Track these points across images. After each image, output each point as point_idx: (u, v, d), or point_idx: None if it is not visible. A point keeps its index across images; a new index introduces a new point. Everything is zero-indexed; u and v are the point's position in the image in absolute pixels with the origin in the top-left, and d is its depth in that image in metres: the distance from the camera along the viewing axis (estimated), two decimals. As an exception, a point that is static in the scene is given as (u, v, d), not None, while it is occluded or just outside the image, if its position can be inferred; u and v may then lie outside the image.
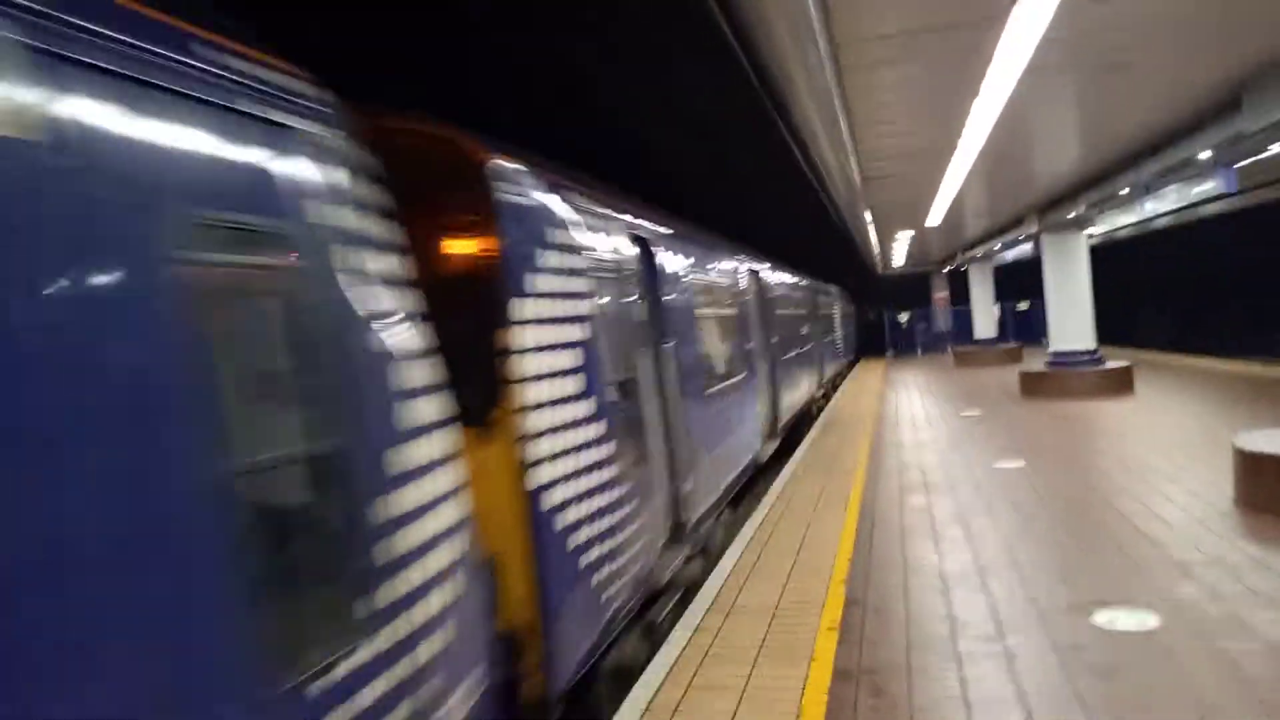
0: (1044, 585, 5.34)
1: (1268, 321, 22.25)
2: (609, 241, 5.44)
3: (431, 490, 2.79)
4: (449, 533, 2.87)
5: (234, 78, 2.24)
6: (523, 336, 3.93)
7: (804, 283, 19.22)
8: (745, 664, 4.55)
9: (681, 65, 10.21)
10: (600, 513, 4.50)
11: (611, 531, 4.63)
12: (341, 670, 2.21)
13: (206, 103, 2.12)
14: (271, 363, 2.36)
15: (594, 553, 4.37)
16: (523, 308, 3.97)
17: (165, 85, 2.00)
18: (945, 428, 12.58)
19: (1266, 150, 10.04)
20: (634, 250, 6.04)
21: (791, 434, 13.25)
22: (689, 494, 6.46)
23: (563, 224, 4.60)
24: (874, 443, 11.71)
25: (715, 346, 8.37)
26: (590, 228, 5.03)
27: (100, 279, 1.78)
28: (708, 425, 7.45)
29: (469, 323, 3.74)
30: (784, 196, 19.60)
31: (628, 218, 6.14)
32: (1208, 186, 9.85)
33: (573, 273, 4.57)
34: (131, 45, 1.92)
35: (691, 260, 7.90)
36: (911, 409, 15.41)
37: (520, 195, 4.24)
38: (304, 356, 2.36)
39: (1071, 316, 15.10)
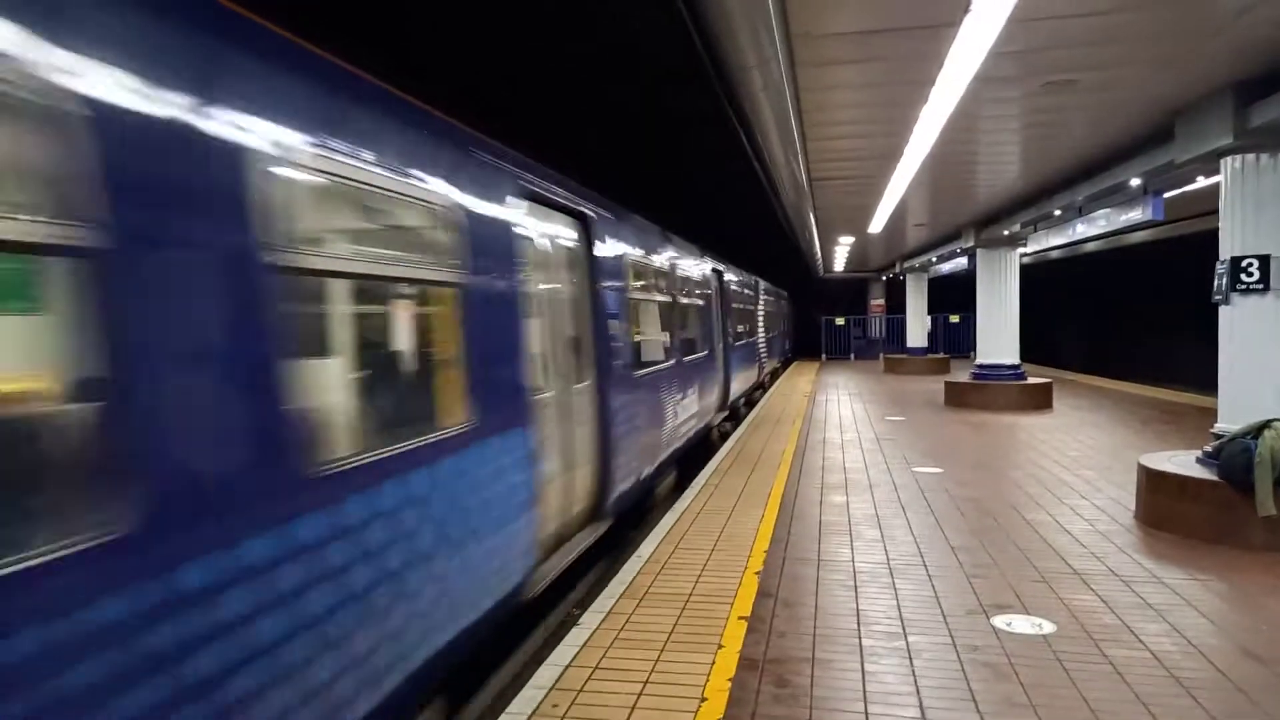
0: (949, 586, 5.45)
1: (1178, 350, 23.23)
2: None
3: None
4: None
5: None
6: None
7: (754, 280, 21.03)
8: (653, 649, 4.52)
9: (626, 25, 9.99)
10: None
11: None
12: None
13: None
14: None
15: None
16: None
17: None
18: (870, 430, 12.81)
19: (1194, 182, 10.44)
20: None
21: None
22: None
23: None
24: (800, 441, 11.85)
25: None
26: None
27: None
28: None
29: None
30: (731, 190, 19.61)
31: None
32: (1135, 214, 10.16)
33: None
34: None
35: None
36: (840, 411, 15.66)
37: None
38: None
39: (999, 331, 15.50)
